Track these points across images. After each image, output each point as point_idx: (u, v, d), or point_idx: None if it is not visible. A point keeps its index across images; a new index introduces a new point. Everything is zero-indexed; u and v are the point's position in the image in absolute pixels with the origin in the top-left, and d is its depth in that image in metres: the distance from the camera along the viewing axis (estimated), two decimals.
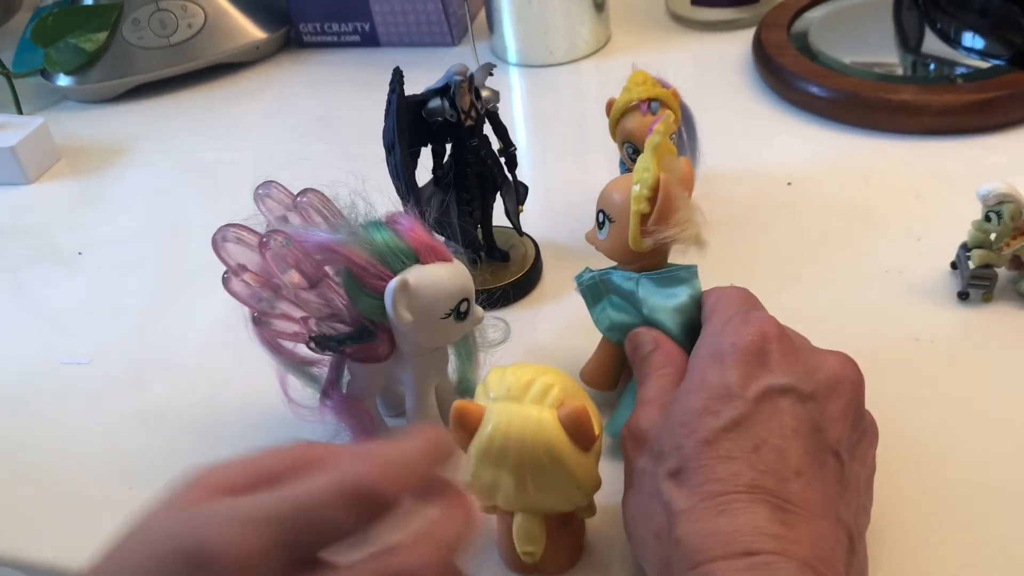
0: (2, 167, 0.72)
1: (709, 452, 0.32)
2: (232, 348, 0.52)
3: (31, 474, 0.48)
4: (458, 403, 0.35)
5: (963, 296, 0.49)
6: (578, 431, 0.34)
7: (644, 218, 0.39)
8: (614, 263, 0.43)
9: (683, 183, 0.41)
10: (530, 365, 0.37)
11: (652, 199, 0.39)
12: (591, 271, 0.43)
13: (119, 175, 0.73)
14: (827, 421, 0.34)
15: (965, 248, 0.49)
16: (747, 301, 0.39)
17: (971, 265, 0.48)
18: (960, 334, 0.47)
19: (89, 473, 0.47)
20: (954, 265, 0.51)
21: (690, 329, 0.40)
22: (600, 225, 0.42)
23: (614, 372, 0.44)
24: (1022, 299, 0.48)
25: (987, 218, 0.47)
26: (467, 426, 0.35)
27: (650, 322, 0.41)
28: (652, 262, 0.41)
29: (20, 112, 0.81)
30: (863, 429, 0.36)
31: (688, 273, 0.41)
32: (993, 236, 0.48)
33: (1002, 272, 0.48)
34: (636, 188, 0.39)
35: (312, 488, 0.28)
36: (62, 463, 0.48)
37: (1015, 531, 0.38)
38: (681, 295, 0.40)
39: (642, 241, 0.40)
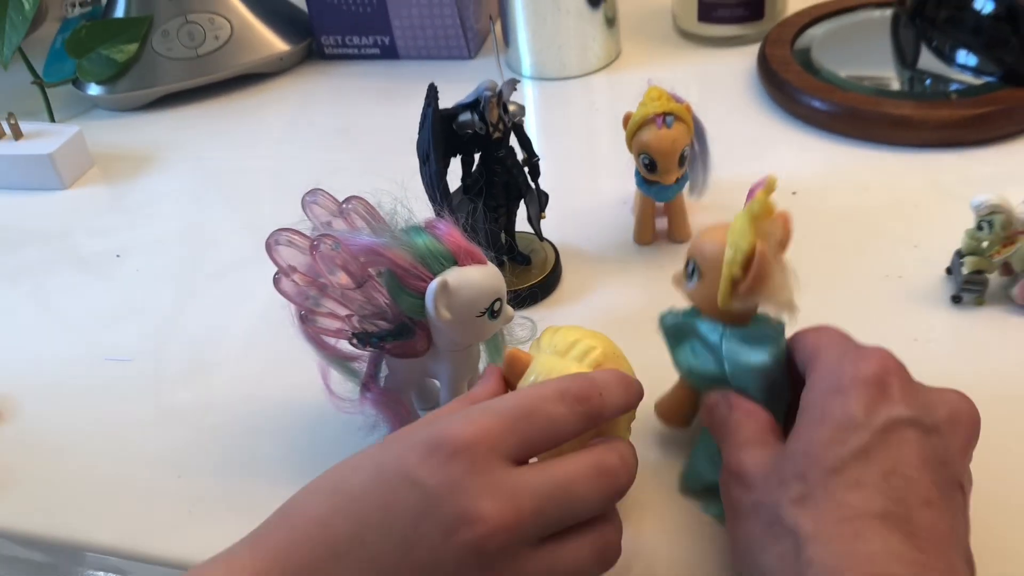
0: (39, 173, 0.75)
1: (837, 479, 0.32)
2: (266, 346, 0.56)
3: (85, 464, 0.50)
4: (511, 350, 0.40)
5: (956, 300, 0.52)
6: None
7: (735, 283, 0.38)
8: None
9: (780, 246, 0.39)
10: (580, 328, 0.41)
11: (746, 266, 0.37)
12: (675, 312, 0.42)
13: (149, 181, 0.76)
14: (951, 456, 0.33)
15: (959, 255, 0.52)
16: (847, 338, 0.38)
17: (964, 271, 0.51)
18: (954, 336, 0.50)
19: (139, 463, 0.50)
20: (949, 271, 0.54)
21: (771, 388, 0.39)
22: (689, 274, 0.41)
23: (688, 411, 0.45)
24: (1012, 303, 0.51)
25: (979, 227, 0.50)
26: (515, 372, 0.40)
27: (731, 379, 0.40)
28: (739, 316, 0.40)
29: (52, 120, 0.85)
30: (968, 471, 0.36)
31: (775, 331, 0.39)
32: (985, 244, 0.51)
33: (993, 278, 0.52)
34: (730, 253, 0.38)
35: (534, 389, 0.36)
36: (113, 454, 0.51)
37: (1006, 527, 0.40)
38: (764, 355, 0.39)
39: (731, 304, 0.39)
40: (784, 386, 0.40)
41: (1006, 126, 0.64)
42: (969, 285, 0.52)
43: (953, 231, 0.53)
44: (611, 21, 0.81)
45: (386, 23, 0.86)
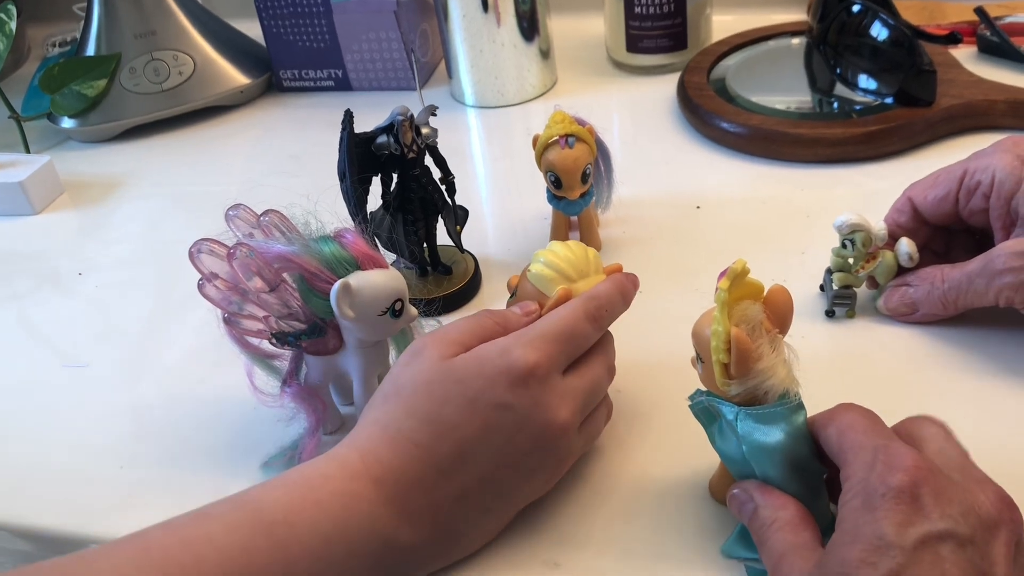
0: (12, 200, 0.80)
1: None
2: (209, 353, 0.61)
3: (35, 455, 0.55)
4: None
5: (830, 314, 0.56)
6: None
7: (726, 367, 0.39)
8: None
9: (775, 320, 0.40)
10: (567, 246, 0.48)
11: (729, 351, 0.38)
12: (702, 393, 0.42)
13: (117, 207, 0.82)
14: (990, 565, 0.32)
15: (829, 272, 0.57)
16: (873, 431, 0.37)
17: (834, 286, 0.55)
18: (828, 345, 0.55)
19: (86, 454, 0.55)
20: (822, 288, 0.58)
21: (793, 467, 0.39)
22: (696, 359, 0.42)
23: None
24: (880, 314, 0.55)
25: (843, 245, 0.55)
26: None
27: (750, 460, 0.40)
28: (750, 397, 0.40)
29: (28, 151, 0.90)
30: (1021, 564, 0.34)
31: (787, 410, 0.39)
32: (851, 260, 0.55)
33: (861, 291, 0.56)
34: (713, 342, 0.39)
35: (570, 312, 0.45)
36: (62, 446, 0.56)
37: None
38: (778, 434, 0.38)
39: (729, 388, 0.39)
40: (809, 459, 0.39)
41: (896, 142, 0.70)
42: (839, 300, 0.56)
43: (837, 239, 0.58)
44: (545, 53, 0.87)
45: (339, 57, 0.92)
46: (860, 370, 0.53)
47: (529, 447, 0.42)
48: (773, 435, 0.39)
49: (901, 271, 0.55)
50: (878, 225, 0.54)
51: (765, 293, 0.40)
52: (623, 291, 0.47)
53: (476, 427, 0.41)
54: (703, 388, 0.42)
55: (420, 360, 0.43)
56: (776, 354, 0.39)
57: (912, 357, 0.53)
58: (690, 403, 0.43)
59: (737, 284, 0.39)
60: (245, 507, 0.40)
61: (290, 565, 0.38)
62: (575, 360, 0.45)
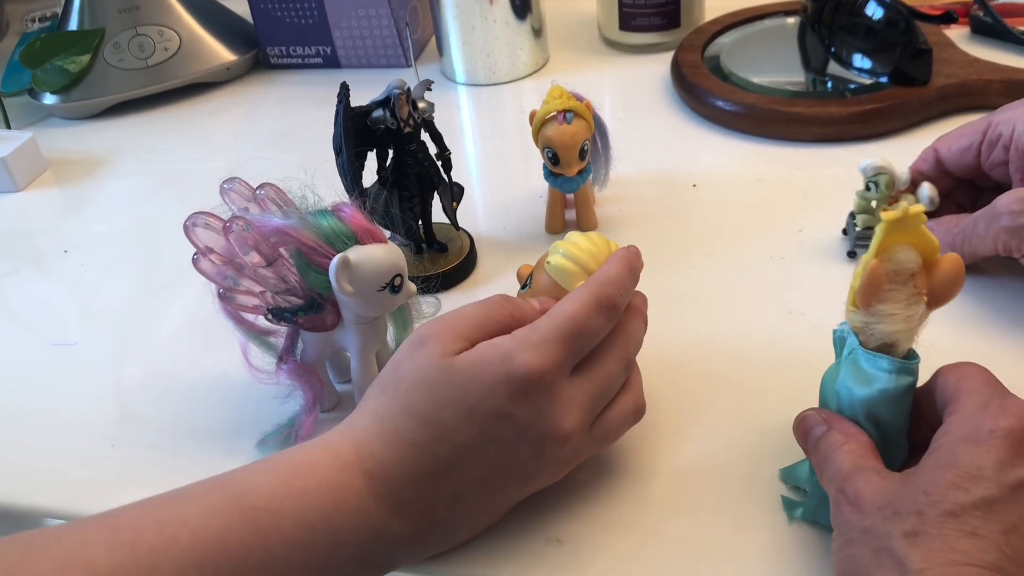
0: None
1: (953, 524, 0.32)
2: (201, 330, 0.60)
3: (24, 434, 0.54)
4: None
5: (852, 255, 0.57)
6: None
7: (855, 294, 0.38)
8: None
9: (933, 285, 0.38)
10: (582, 237, 0.46)
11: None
12: (846, 324, 0.41)
13: (101, 185, 0.80)
14: None
15: (852, 216, 0.58)
16: (992, 382, 0.37)
17: (857, 228, 0.56)
18: (827, 309, 0.55)
19: (77, 433, 0.54)
20: (845, 232, 0.59)
21: (871, 420, 0.39)
22: None
23: None
24: None
25: (867, 187, 0.56)
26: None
27: (839, 397, 0.40)
28: (867, 337, 0.39)
29: (8, 127, 0.89)
30: None
31: (894, 366, 0.38)
32: (874, 203, 0.56)
33: None
34: (859, 267, 0.38)
35: (574, 308, 0.41)
36: (51, 425, 0.54)
37: None
38: (873, 387, 0.38)
39: (851, 316, 0.39)
40: (892, 427, 0.39)
41: (891, 121, 0.69)
42: (861, 241, 0.57)
43: (835, 217, 0.58)
44: (538, 31, 0.86)
45: (327, 34, 0.91)
46: None
47: (528, 456, 0.40)
48: (868, 386, 0.38)
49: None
50: (901, 169, 0.55)
51: (939, 256, 0.38)
52: (632, 268, 0.44)
53: (474, 435, 0.39)
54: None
55: (422, 353, 0.41)
56: (906, 308, 0.37)
57: None
58: (835, 329, 0.42)
59: (906, 226, 0.37)
60: (226, 490, 0.38)
61: (269, 552, 0.36)
62: (591, 357, 0.42)
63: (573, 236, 0.46)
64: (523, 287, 0.48)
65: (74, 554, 0.35)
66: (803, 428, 0.41)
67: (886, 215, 0.37)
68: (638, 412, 0.44)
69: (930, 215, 0.55)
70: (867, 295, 0.37)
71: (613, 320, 0.42)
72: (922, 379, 0.40)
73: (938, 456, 0.35)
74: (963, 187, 0.57)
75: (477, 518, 0.42)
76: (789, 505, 0.43)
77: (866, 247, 0.55)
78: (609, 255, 0.45)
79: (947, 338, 0.49)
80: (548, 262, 0.46)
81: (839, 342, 0.42)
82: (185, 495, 0.38)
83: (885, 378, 0.38)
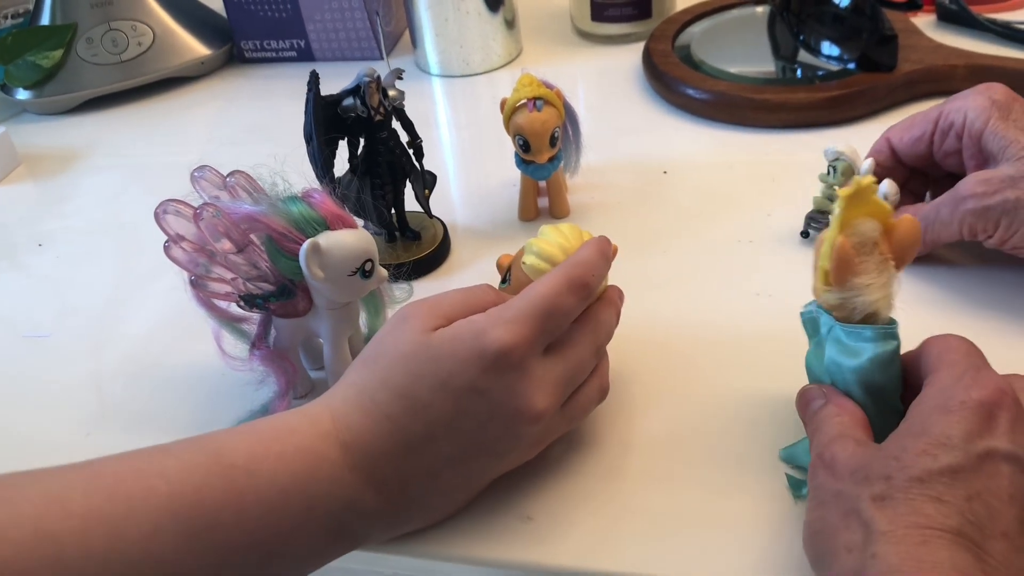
0: None
1: (919, 488, 0.33)
2: (175, 321, 0.60)
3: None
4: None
5: (805, 235, 0.59)
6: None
7: (826, 274, 0.40)
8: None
9: (895, 249, 0.39)
10: (556, 230, 0.46)
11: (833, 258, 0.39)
12: (814, 303, 0.43)
13: (75, 179, 0.80)
14: None
15: (811, 216, 0.59)
16: (973, 354, 0.38)
17: (811, 209, 0.58)
18: (792, 290, 0.55)
19: (51, 423, 0.54)
20: (804, 234, 0.59)
21: (869, 391, 0.40)
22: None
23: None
24: None
25: (828, 172, 0.57)
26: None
27: (830, 374, 0.41)
28: (847, 312, 0.40)
29: None
30: None
31: (876, 333, 0.39)
32: (824, 189, 0.57)
33: None
34: (824, 247, 0.39)
35: (547, 288, 0.41)
36: (25, 416, 0.55)
37: None
38: (862, 357, 0.39)
39: (825, 296, 0.40)
40: (888, 391, 0.40)
41: (859, 107, 0.70)
42: (813, 224, 0.58)
43: (803, 201, 0.59)
44: (510, 23, 0.87)
45: (301, 27, 0.91)
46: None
47: (501, 432, 0.41)
48: (858, 357, 0.39)
49: None
50: (866, 162, 0.56)
51: (895, 220, 0.39)
52: (602, 252, 0.44)
53: (447, 409, 0.40)
54: (816, 300, 0.42)
55: (404, 328, 0.42)
56: (878, 276, 0.39)
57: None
58: (801, 311, 0.43)
59: (859, 199, 0.38)
60: (206, 448, 0.39)
61: (242, 511, 0.37)
62: (560, 336, 0.43)
63: (546, 232, 0.46)
64: (503, 281, 0.48)
65: (52, 495, 0.35)
66: (804, 400, 0.42)
67: (842, 191, 0.38)
68: (603, 394, 0.46)
69: None
70: (841, 272, 0.38)
71: (585, 300, 0.43)
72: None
73: (911, 424, 0.36)
74: (916, 177, 0.58)
75: (451, 495, 0.43)
76: (795, 485, 0.43)
77: (816, 229, 0.56)
78: (582, 244, 0.45)
79: (926, 329, 0.51)
80: (524, 262, 0.46)
81: (809, 323, 0.43)
82: (166, 450, 0.39)
83: (871, 347, 0.39)
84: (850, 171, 0.56)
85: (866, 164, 0.56)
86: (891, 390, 0.40)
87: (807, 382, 0.44)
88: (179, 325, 0.60)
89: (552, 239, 0.46)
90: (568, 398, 0.43)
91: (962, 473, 0.33)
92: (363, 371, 0.42)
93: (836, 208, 0.38)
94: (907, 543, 0.32)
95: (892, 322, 0.40)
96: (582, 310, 0.43)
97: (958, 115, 0.52)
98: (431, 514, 0.43)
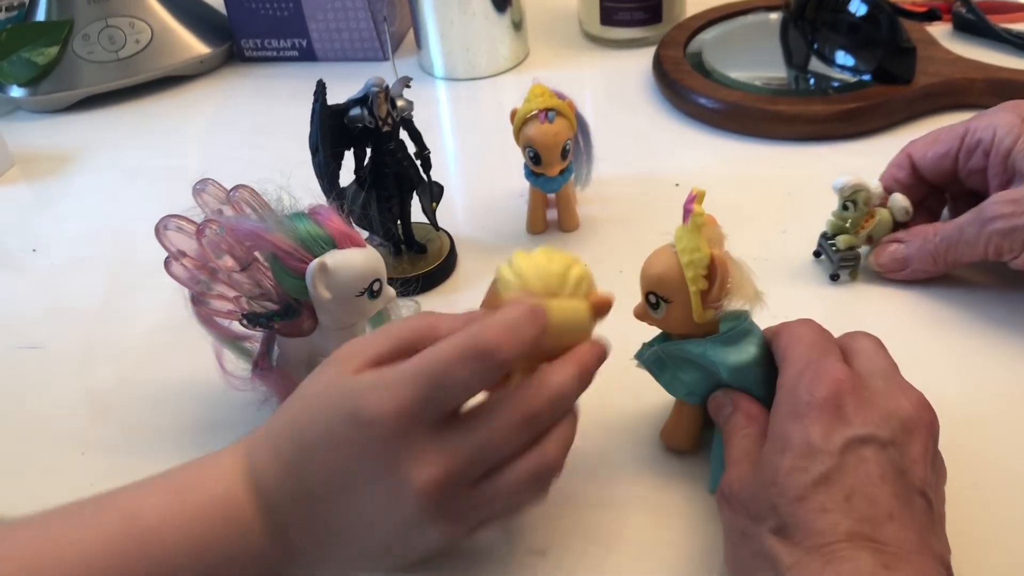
0: None
1: (804, 507, 0.34)
2: (175, 334, 0.58)
3: None
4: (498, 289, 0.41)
5: (835, 278, 0.56)
6: (603, 313, 0.41)
7: (704, 294, 0.40)
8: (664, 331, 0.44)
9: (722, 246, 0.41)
10: (547, 253, 0.41)
11: (708, 276, 0.39)
12: (647, 344, 0.43)
13: (70, 181, 0.78)
14: (909, 464, 0.35)
15: (826, 237, 0.56)
16: (816, 343, 0.39)
17: (839, 247, 0.55)
18: (810, 311, 0.54)
19: (45, 441, 0.52)
20: (817, 254, 0.58)
21: (767, 378, 0.40)
22: (653, 306, 0.42)
23: (694, 432, 0.45)
24: (876, 274, 0.55)
25: (845, 207, 0.55)
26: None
27: (731, 383, 0.41)
28: (711, 325, 0.41)
29: None
30: (937, 467, 0.37)
31: (746, 324, 0.41)
32: (849, 223, 0.55)
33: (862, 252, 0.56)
34: (690, 272, 0.39)
35: (442, 351, 0.36)
36: (18, 432, 0.53)
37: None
38: (751, 348, 0.40)
39: (706, 314, 0.40)
40: (769, 372, 0.41)
41: (875, 120, 0.69)
42: (845, 262, 0.56)
43: (819, 217, 0.58)
44: (518, 25, 0.85)
45: (303, 26, 0.89)
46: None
47: (388, 503, 0.36)
48: (747, 350, 0.40)
49: (896, 227, 0.55)
50: (873, 183, 0.54)
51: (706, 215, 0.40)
52: (518, 325, 0.37)
53: (334, 460, 0.36)
54: (647, 340, 0.43)
55: (326, 371, 0.39)
56: (739, 270, 0.40)
57: (910, 316, 0.53)
58: (637, 359, 0.43)
59: (699, 221, 0.39)
60: (120, 511, 0.37)
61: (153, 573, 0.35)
62: (481, 407, 0.38)
63: (537, 252, 0.42)
64: None
65: None
66: (714, 408, 0.43)
67: (699, 208, 0.39)
68: (537, 476, 0.38)
69: (904, 225, 0.55)
70: (724, 284, 0.39)
71: (489, 374, 0.36)
72: None
73: (774, 437, 0.37)
74: (933, 194, 0.57)
75: (359, 564, 0.39)
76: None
77: (848, 267, 0.55)
78: (564, 281, 0.40)
79: (948, 354, 0.50)
80: (498, 269, 0.42)
81: (654, 364, 0.43)
82: (80, 515, 0.37)
83: (752, 335, 0.41)
84: (870, 200, 0.54)
85: (875, 184, 0.54)
86: (770, 369, 0.41)
87: None
88: (177, 337, 0.58)
89: (535, 258, 0.41)
90: (484, 477, 0.37)
91: (833, 475, 0.34)
92: (280, 412, 0.40)
93: (693, 230, 0.39)
94: (812, 570, 0.32)
95: (743, 313, 0.41)
96: (486, 384, 0.37)
97: (986, 132, 0.51)
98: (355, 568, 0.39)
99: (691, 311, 0.40)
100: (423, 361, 0.36)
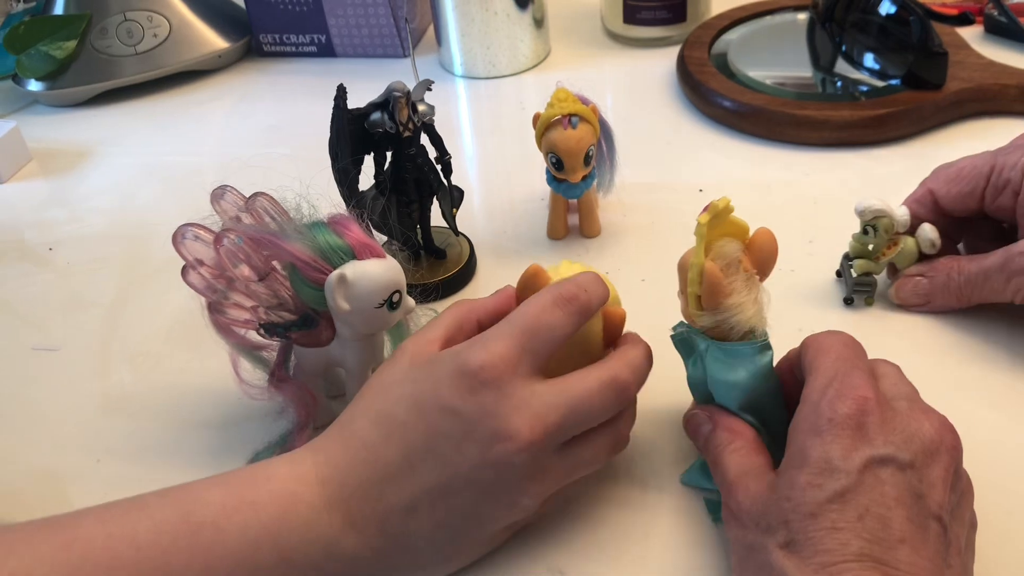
0: None
1: (815, 524, 0.33)
2: (191, 337, 0.58)
3: (4, 449, 0.52)
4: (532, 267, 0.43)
5: (848, 302, 0.54)
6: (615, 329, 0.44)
7: (699, 299, 0.40)
8: None
9: (756, 262, 0.41)
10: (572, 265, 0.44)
11: (702, 283, 0.40)
12: (684, 325, 0.44)
13: (87, 176, 0.78)
14: (927, 488, 0.34)
15: (847, 258, 0.55)
16: (843, 357, 0.39)
17: (854, 274, 0.54)
18: (834, 324, 0.53)
19: (59, 447, 0.52)
20: (838, 274, 0.56)
21: (751, 404, 0.41)
22: (681, 292, 0.43)
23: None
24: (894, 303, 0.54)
25: (865, 231, 0.53)
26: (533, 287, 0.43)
27: (713, 392, 0.42)
28: (721, 331, 0.41)
29: None
30: (961, 490, 0.36)
31: (752, 349, 0.40)
32: (871, 247, 0.53)
33: (881, 278, 0.54)
34: (691, 273, 0.40)
35: (532, 302, 0.40)
36: (32, 437, 0.52)
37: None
38: (741, 372, 0.40)
39: (700, 319, 0.41)
40: (770, 399, 0.41)
41: (905, 126, 0.67)
42: (859, 287, 0.54)
43: (847, 228, 0.56)
44: (539, 22, 0.84)
45: (322, 22, 0.88)
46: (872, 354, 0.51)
47: (479, 459, 0.38)
48: (736, 372, 0.40)
49: (921, 257, 0.53)
50: (900, 211, 0.52)
51: (751, 234, 0.41)
52: (599, 279, 0.42)
53: (422, 431, 0.38)
54: (685, 320, 0.43)
55: (396, 359, 0.41)
56: (748, 293, 0.40)
57: (928, 346, 0.51)
58: (672, 333, 0.44)
59: (719, 221, 0.40)
60: (177, 505, 0.38)
61: (209, 570, 0.36)
62: (575, 374, 0.40)
63: (563, 265, 0.45)
64: None
65: (19, 570, 0.34)
66: (691, 427, 0.43)
67: (701, 218, 0.39)
68: (616, 446, 0.42)
69: (929, 257, 0.53)
70: (713, 296, 0.39)
71: (576, 316, 0.40)
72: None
73: (793, 452, 0.36)
74: (954, 222, 0.54)
75: (439, 539, 0.39)
76: (713, 509, 0.43)
77: (863, 292, 0.54)
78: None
79: (971, 387, 0.48)
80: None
81: (682, 344, 0.44)
82: (141, 506, 0.38)
83: (750, 362, 0.40)
84: (891, 228, 0.52)
85: (901, 212, 0.52)
86: (772, 397, 0.41)
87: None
88: (194, 341, 0.57)
89: (563, 272, 0.44)
90: (571, 442, 0.40)
91: (848, 494, 0.34)
92: (351, 406, 0.42)
93: (697, 235, 0.39)
94: None
95: (765, 334, 0.41)
96: (576, 327, 0.40)
97: (1015, 172, 0.49)
98: (419, 561, 0.40)
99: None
100: (514, 315, 0.40)
